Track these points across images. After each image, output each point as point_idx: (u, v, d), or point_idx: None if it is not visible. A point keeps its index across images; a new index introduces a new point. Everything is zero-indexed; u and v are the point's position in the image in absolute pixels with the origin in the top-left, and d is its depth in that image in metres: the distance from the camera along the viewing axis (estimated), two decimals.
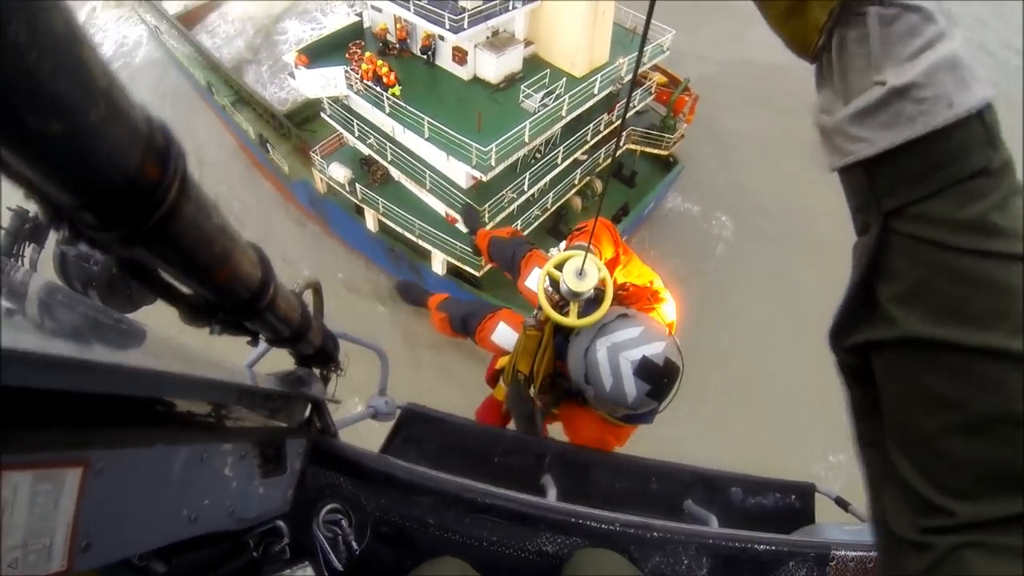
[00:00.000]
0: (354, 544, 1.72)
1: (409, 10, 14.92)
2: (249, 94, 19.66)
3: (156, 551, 0.99)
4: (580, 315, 2.70)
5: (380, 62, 15.28)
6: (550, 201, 16.13)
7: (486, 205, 14.19)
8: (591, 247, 2.68)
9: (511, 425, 3.43)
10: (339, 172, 16.11)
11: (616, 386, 2.48)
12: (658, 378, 2.46)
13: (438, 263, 15.49)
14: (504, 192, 14.49)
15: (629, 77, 16.93)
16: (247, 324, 1.11)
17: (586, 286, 2.63)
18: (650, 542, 1.93)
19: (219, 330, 1.03)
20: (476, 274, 14.84)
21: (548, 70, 15.83)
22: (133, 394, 0.80)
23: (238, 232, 0.91)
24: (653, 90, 18.13)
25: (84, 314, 1.10)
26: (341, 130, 16.48)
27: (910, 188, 0.67)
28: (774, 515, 2.61)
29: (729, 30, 24.21)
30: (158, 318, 1.27)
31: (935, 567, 0.71)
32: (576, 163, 16.55)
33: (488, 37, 15.64)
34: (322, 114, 16.80)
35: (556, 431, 3.38)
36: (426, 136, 14.26)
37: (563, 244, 3.31)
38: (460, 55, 15.70)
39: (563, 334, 2.90)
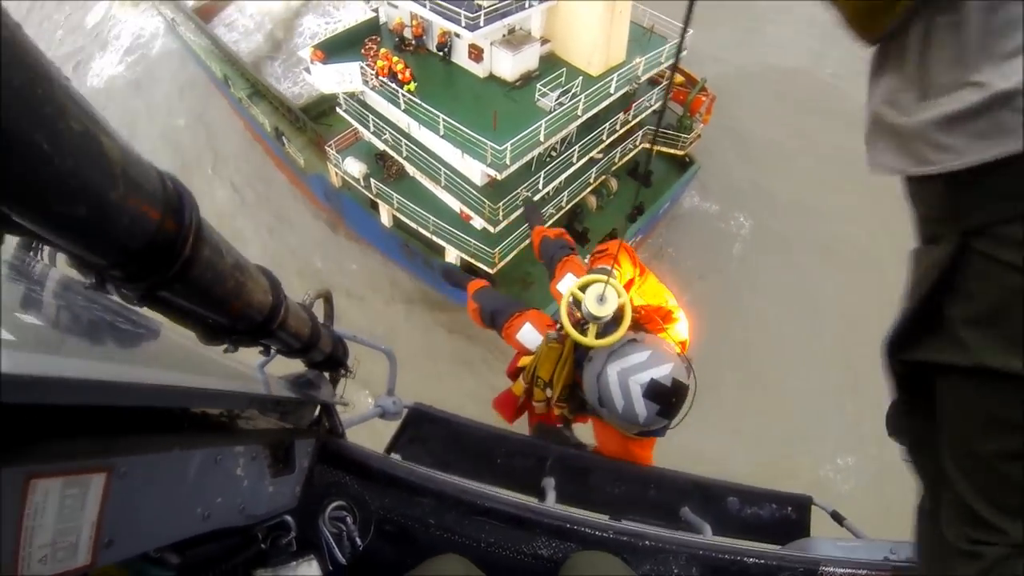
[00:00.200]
0: (358, 540, 1.78)
1: (425, 7, 14.92)
2: (265, 87, 19.80)
3: (171, 544, 1.05)
4: (598, 335, 2.86)
5: (396, 58, 15.30)
6: (565, 199, 16.11)
7: (500, 203, 14.21)
8: (613, 272, 2.83)
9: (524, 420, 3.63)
10: (354, 167, 16.20)
11: (628, 407, 2.64)
12: (666, 398, 2.60)
13: (452, 259, 15.54)
14: (519, 190, 14.49)
15: (647, 76, 16.91)
16: (260, 341, 1.18)
17: (605, 312, 2.81)
18: (642, 550, 1.99)
19: (233, 348, 1.10)
20: (489, 271, 14.85)
21: (564, 69, 15.79)
22: (153, 406, 0.87)
23: (249, 263, 0.99)
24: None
25: (101, 317, 1.16)
26: (356, 125, 16.54)
27: (999, 207, 0.60)
28: (769, 526, 2.64)
29: (746, 30, 24.09)
30: None
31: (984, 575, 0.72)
32: (591, 162, 16.53)
33: (504, 35, 15.62)
34: (338, 109, 16.87)
35: (584, 432, 3.50)
36: (441, 133, 14.27)
37: (587, 259, 3.53)
38: (476, 52, 15.69)
39: (583, 349, 3.04)
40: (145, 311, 0.99)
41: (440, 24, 15.16)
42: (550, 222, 15.63)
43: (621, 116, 16.53)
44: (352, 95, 16.34)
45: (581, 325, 2.96)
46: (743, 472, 13.71)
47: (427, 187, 15.92)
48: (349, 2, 25.41)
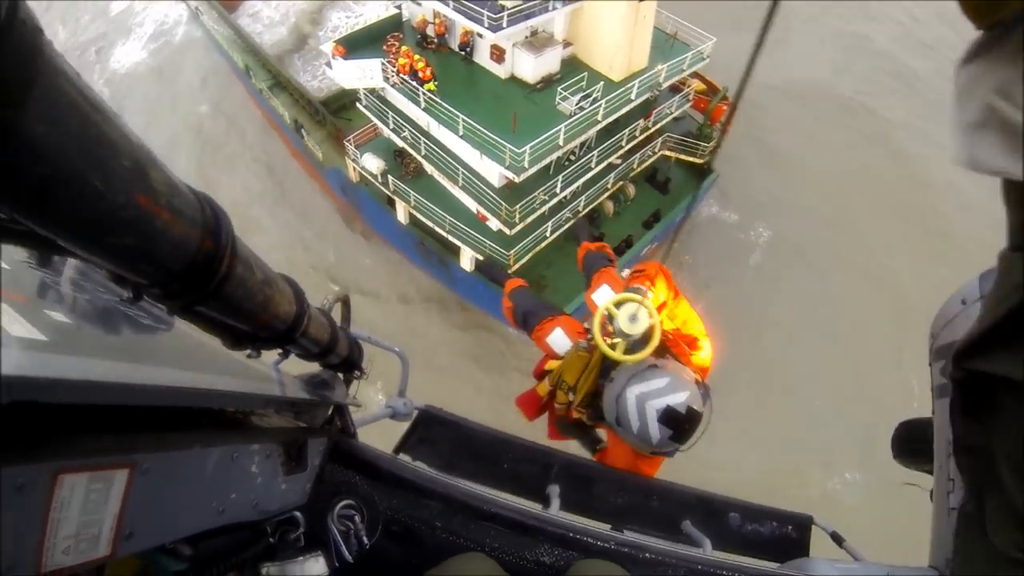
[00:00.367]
0: (365, 539, 1.81)
1: (448, 6, 14.94)
2: (287, 79, 19.90)
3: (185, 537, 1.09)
4: (626, 351, 3.03)
5: (417, 56, 15.33)
6: (582, 204, 16.05)
7: (517, 206, 14.20)
8: (648, 293, 3.06)
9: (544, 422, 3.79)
10: (372, 162, 16.25)
11: (642, 429, 2.78)
12: (680, 425, 2.74)
13: (467, 259, 15.54)
14: (536, 194, 14.49)
15: (668, 83, 16.84)
16: (283, 347, 1.23)
17: (636, 331, 3.00)
18: (643, 562, 2.01)
19: (256, 354, 1.15)
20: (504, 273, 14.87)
21: (586, 72, 15.76)
22: (174, 406, 0.90)
23: (276, 276, 1.03)
24: (691, 97, 18.00)
25: (118, 308, 1.19)
26: (376, 122, 16.58)
27: None
28: (769, 543, 2.66)
29: (771, 40, 23.85)
30: None
31: None
32: (610, 167, 16.47)
33: (527, 36, 15.60)
34: (358, 105, 16.95)
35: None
36: (460, 133, 14.28)
37: (626, 272, 3.71)
38: (498, 53, 15.71)
39: (610, 362, 3.18)
40: None
41: (463, 23, 15.20)
42: (566, 226, 15.65)
43: (641, 122, 16.46)
44: (372, 91, 16.39)
45: (611, 339, 3.11)
46: (749, 479, 13.74)
47: (444, 186, 15.94)
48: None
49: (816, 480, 15.17)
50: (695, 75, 18.17)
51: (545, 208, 14.97)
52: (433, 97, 14.68)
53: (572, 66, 16.26)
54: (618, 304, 3.10)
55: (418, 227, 16.34)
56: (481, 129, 13.91)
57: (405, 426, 2.76)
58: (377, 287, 17.88)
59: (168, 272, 0.72)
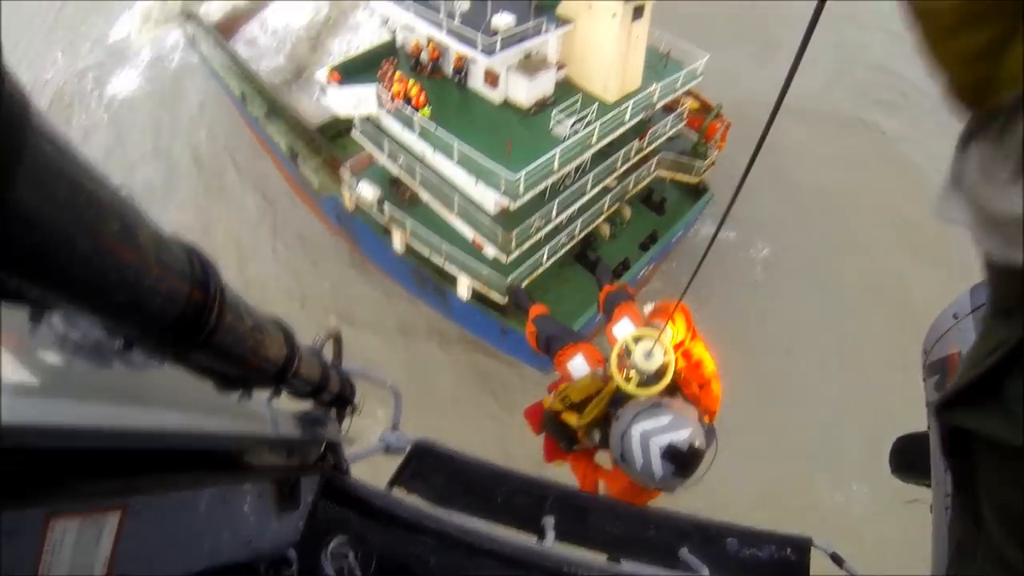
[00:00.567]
0: None
1: (442, 31, 15.00)
2: (282, 107, 19.94)
3: None
4: (639, 385, 3.21)
5: (411, 82, 15.37)
6: (578, 228, 16.03)
7: (513, 232, 14.18)
8: (666, 331, 3.22)
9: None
10: (368, 190, 16.23)
11: (646, 466, 2.90)
12: (682, 461, 2.86)
13: (463, 288, 15.48)
14: (532, 219, 14.48)
15: (662, 103, 16.81)
16: (274, 389, 1.27)
17: (651, 367, 3.17)
18: None
19: (248, 397, 1.17)
20: (501, 301, 14.81)
21: (580, 94, 15.87)
22: (165, 448, 0.93)
23: (266, 320, 1.07)
24: (685, 116, 17.98)
25: (105, 341, 1.20)
26: (371, 149, 16.63)
27: None
28: (768, 567, 2.65)
29: (763, 56, 24.03)
30: None
31: None
32: (605, 190, 16.48)
33: (521, 60, 15.67)
34: (353, 132, 16.94)
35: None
36: (455, 160, 14.30)
37: (649, 307, 3.88)
38: (492, 78, 15.77)
39: (623, 395, 3.31)
40: None
41: (457, 48, 15.24)
42: (562, 251, 15.61)
43: (636, 143, 16.50)
44: (368, 118, 16.43)
45: (626, 372, 3.27)
46: (754, 495, 13.75)
47: (440, 214, 15.92)
48: (369, 24, 25.50)
49: (823, 493, 15.18)
50: (689, 93, 18.21)
51: (541, 234, 14.96)
52: (427, 124, 14.70)
53: (566, 89, 16.34)
54: (636, 339, 3.26)
55: (414, 255, 16.27)
56: (476, 155, 13.91)
57: (398, 461, 2.77)
58: (373, 317, 17.82)
59: (159, 325, 0.74)
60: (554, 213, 14.98)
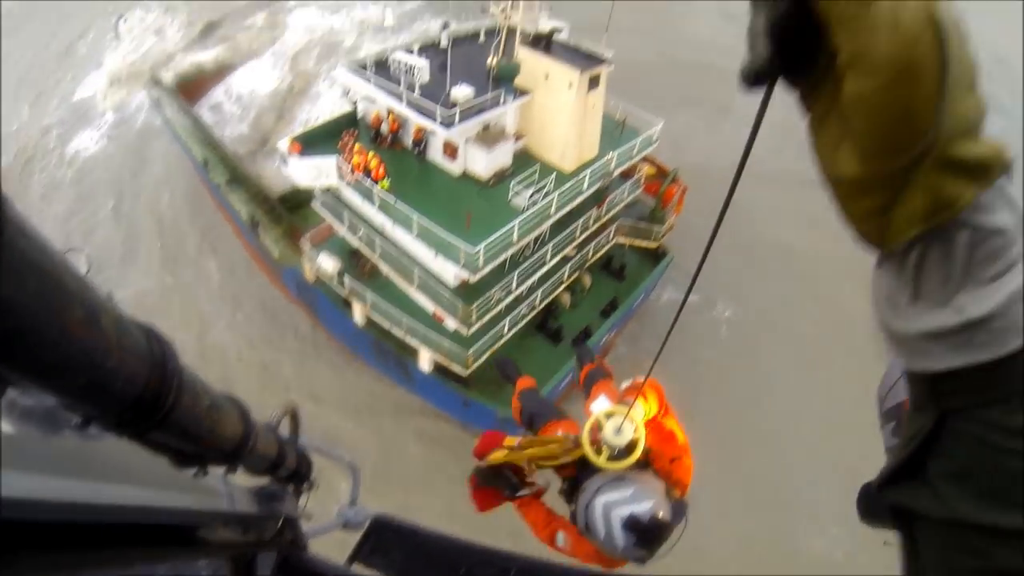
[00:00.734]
0: None
1: (402, 102, 15.09)
2: (244, 175, 19.88)
3: None
4: (609, 458, 3.24)
5: (371, 154, 15.44)
6: (539, 298, 16.10)
7: (474, 305, 14.16)
8: (636, 406, 3.30)
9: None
10: (328, 263, 16.13)
11: (608, 537, 2.93)
12: (644, 533, 2.88)
13: (425, 360, 15.38)
14: (493, 292, 14.50)
15: (619, 170, 17.10)
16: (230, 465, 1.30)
17: (620, 442, 3.21)
18: None
19: (203, 473, 1.19)
20: (463, 373, 14.74)
21: (538, 165, 16.05)
22: (119, 522, 0.90)
23: (222, 399, 1.10)
24: (642, 182, 18.30)
25: (54, 409, 1.19)
26: (331, 221, 16.58)
27: (969, 397, 0.72)
28: None
29: (714, 119, 24.71)
30: None
31: None
32: (565, 259, 16.58)
33: (479, 131, 15.79)
34: (313, 203, 16.92)
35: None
36: (415, 233, 14.29)
37: (625, 384, 3.97)
38: (451, 150, 15.86)
39: (592, 468, 3.36)
40: None
41: (416, 120, 15.28)
42: (523, 322, 15.64)
43: (594, 212, 16.67)
44: (328, 189, 16.41)
45: (598, 445, 3.31)
46: (733, 544, 13.72)
47: (400, 286, 15.84)
48: (328, 94, 25.70)
49: (802, 539, 15.31)
50: (645, 159, 18.51)
51: (502, 305, 14.96)
52: (387, 197, 14.72)
53: (524, 159, 16.52)
54: (608, 415, 3.30)
55: (375, 328, 16.15)
56: (435, 228, 13.91)
57: (358, 536, 2.73)
58: (334, 390, 17.61)
59: (118, 405, 0.78)
60: (514, 284, 15.00)
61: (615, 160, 16.71)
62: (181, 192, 23.76)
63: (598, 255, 17.74)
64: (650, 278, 18.58)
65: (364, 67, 16.10)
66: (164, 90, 23.81)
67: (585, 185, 15.91)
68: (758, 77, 0.70)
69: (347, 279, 15.87)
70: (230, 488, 1.47)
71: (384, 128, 16.75)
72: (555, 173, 15.87)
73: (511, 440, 3.74)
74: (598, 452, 3.27)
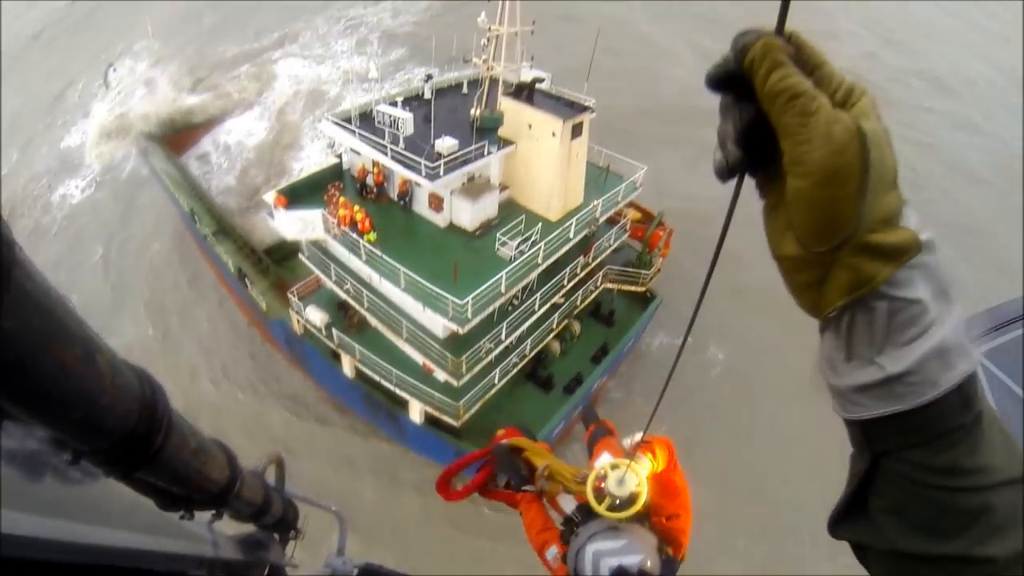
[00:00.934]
0: None
1: (387, 155, 15.16)
2: (231, 226, 19.89)
3: None
4: (609, 508, 3.23)
5: (356, 207, 15.49)
6: (528, 347, 16.06)
7: (463, 356, 14.12)
8: (642, 459, 3.37)
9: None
10: (316, 315, 16.11)
11: None
12: None
13: (416, 412, 15.29)
14: (482, 343, 14.46)
15: (605, 217, 17.22)
16: (215, 509, 1.33)
17: (621, 493, 3.21)
18: None
19: (189, 516, 1.21)
20: (454, 424, 14.62)
21: (524, 215, 16.12)
22: (102, 565, 0.92)
23: (210, 443, 1.14)
24: (628, 227, 18.43)
25: (44, 452, 1.14)
26: (319, 273, 16.56)
27: (895, 441, 0.84)
28: None
29: (694, 159, 25.04)
30: None
31: None
32: (554, 307, 16.55)
33: (464, 183, 15.88)
34: (300, 256, 16.92)
35: None
36: (402, 286, 14.25)
37: (637, 436, 3.83)
38: (436, 202, 15.92)
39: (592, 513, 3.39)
40: None
41: (401, 173, 15.35)
42: (513, 371, 15.58)
43: (581, 259, 16.71)
44: (314, 242, 16.41)
45: (600, 494, 3.33)
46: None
47: (389, 338, 15.76)
48: (311, 147, 25.87)
49: (810, 563, 15.18)
50: (630, 204, 18.63)
51: (491, 356, 14.90)
52: (373, 250, 14.73)
53: (510, 209, 16.60)
54: (613, 466, 3.34)
55: (365, 380, 16.05)
56: (422, 281, 13.88)
57: None
58: (323, 443, 17.40)
59: (109, 441, 0.82)
60: (503, 335, 14.97)
61: (600, 207, 16.82)
62: (170, 241, 23.74)
63: (586, 302, 17.77)
64: (639, 322, 18.60)
65: (348, 119, 16.25)
66: (152, 141, 23.92)
67: (571, 233, 15.97)
68: (731, 172, 0.85)
69: (335, 332, 15.80)
70: (215, 535, 1.51)
71: (369, 180, 16.83)
72: (541, 223, 15.95)
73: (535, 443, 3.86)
74: (600, 500, 3.31)
